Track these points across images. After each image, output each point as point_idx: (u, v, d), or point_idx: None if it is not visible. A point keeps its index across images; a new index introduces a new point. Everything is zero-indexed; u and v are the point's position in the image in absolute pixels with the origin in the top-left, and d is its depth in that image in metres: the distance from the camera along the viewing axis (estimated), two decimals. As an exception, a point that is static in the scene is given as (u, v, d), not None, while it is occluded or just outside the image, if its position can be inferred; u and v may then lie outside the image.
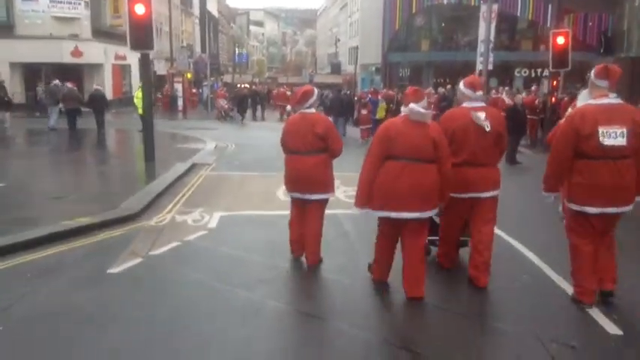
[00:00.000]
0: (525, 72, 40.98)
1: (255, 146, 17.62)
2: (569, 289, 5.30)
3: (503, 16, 35.80)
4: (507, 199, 9.43)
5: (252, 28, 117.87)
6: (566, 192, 4.97)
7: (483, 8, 24.57)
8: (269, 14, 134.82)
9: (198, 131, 22.60)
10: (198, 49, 65.00)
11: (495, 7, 25.05)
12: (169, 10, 38.68)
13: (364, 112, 20.65)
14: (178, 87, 36.96)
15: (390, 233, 5.16)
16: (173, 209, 8.57)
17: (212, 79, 47.46)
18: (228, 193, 9.95)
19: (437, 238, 5.95)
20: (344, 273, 5.78)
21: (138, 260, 6.09)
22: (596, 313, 4.89)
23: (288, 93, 31.84)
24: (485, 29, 22.46)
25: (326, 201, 6.07)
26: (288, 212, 6.51)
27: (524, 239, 7.05)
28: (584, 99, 5.08)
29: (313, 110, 5.91)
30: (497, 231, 7.29)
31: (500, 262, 6.18)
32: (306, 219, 5.95)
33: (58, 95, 21.14)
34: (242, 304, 4.96)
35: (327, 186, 5.90)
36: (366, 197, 5.00)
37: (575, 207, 4.85)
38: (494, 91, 22.95)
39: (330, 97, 24.29)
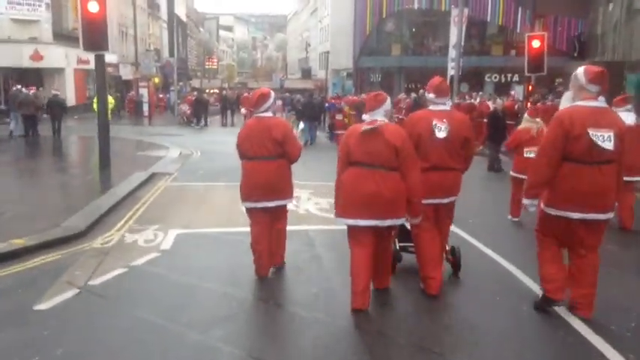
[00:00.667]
0: (496, 77, 40.75)
1: (222, 153, 16.65)
2: (578, 325, 4.61)
3: (473, 22, 35.59)
4: (493, 213, 8.81)
5: (221, 32, 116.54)
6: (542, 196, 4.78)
7: (454, 12, 24.33)
8: (239, 19, 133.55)
9: (162, 137, 21.65)
10: (166, 53, 63.67)
11: (466, 11, 24.84)
12: (134, 12, 37.41)
13: (339, 117, 20.38)
14: (144, 92, 35.77)
15: (358, 242, 4.82)
16: (124, 227, 7.63)
17: (180, 84, 46.36)
18: (188, 208, 9.04)
19: (410, 244, 5.63)
20: (316, 308, 4.91)
21: (73, 292, 5.16)
22: (607, 350, 4.18)
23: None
24: (457, 34, 22.15)
25: (285, 207, 5.90)
26: (251, 229, 6.05)
27: (516, 260, 6.33)
28: (567, 101, 5.10)
29: (270, 114, 5.70)
30: (488, 252, 6.61)
31: (495, 290, 5.46)
32: (269, 228, 5.68)
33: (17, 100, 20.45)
34: (192, 351, 4.08)
35: (286, 192, 5.73)
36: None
37: (554, 212, 4.64)
38: (467, 96, 22.39)
39: (301, 102, 23.71)
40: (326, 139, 21.96)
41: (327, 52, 48.65)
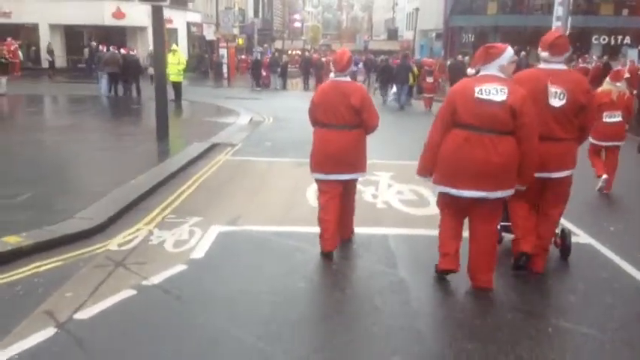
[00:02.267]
0: (604, 39, 36.64)
1: (296, 121, 14.96)
2: None
3: (581, -23, 31.93)
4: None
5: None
6: None
7: None
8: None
9: (237, 101, 20.36)
10: (251, 13, 62.71)
11: None
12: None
13: (429, 79, 19.30)
14: (224, 53, 34.59)
15: (452, 212, 4.42)
16: (156, 219, 6.06)
17: (265, 45, 45.19)
18: (242, 193, 7.38)
19: (510, 223, 4.90)
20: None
21: (47, 333, 3.58)
22: None
23: (324, 59, 30.05)
24: None
25: (357, 180, 5.43)
26: (316, 229, 5.07)
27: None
28: None
29: (348, 78, 5.15)
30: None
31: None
32: (339, 199, 5.11)
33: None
34: None
35: (360, 165, 5.21)
36: (429, 167, 4.41)
37: None
38: (579, 59, 19.41)
39: (395, 65, 22.22)
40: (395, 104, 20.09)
41: (415, 11, 45.52)
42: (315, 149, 5.14)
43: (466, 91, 4.16)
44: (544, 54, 4.54)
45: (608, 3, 36.74)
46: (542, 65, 4.59)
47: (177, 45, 37.41)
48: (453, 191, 4.21)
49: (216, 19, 35.15)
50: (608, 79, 7.92)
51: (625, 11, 36.29)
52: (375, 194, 7.31)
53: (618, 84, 7.71)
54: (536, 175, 4.39)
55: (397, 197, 7.17)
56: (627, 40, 36.01)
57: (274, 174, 8.63)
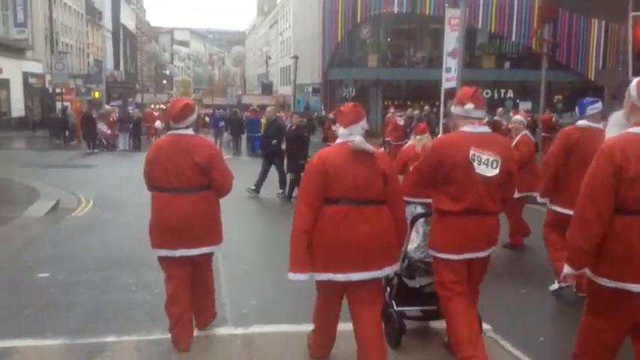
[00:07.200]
0: (487, 93, 34.81)
1: (131, 207, 9.49)
2: None
3: (460, 29, 30.03)
4: None
5: (176, 47, 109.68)
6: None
7: (450, 13, 17.77)
8: (195, 34, 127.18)
9: (57, 172, 14.79)
10: (110, 65, 56.94)
11: (467, 12, 19.02)
12: (49, 9, 29.70)
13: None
14: (68, 106, 28.18)
15: (332, 296, 3.67)
16: None
17: (129, 99, 39.93)
18: None
19: (411, 308, 4.29)
20: None
21: None
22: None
23: (156, 113, 27.04)
24: (459, 39, 16.17)
25: (212, 255, 4.32)
26: None
27: None
28: (616, 127, 3.23)
29: (191, 131, 4.12)
30: None
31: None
32: (190, 282, 4.08)
33: None
34: None
35: (214, 235, 4.16)
36: (304, 257, 3.45)
37: (609, 283, 2.98)
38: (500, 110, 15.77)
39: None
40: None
41: (288, 67, 42.18)
42: (155, 220, 4.07)
43: (338, 159, 3.46)
44: (468, 106, 3.69)
45: (489, 56, 35.16)
46: (466, 128, 3.71)
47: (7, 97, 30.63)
48: (340, 277, 3.42)
49: (51, 67, 28.77)
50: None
51: (507, 64, 34.93)
52: None
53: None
54: (464, 256, 3.69)
55: None
56: (510, 93, 34.67)
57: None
